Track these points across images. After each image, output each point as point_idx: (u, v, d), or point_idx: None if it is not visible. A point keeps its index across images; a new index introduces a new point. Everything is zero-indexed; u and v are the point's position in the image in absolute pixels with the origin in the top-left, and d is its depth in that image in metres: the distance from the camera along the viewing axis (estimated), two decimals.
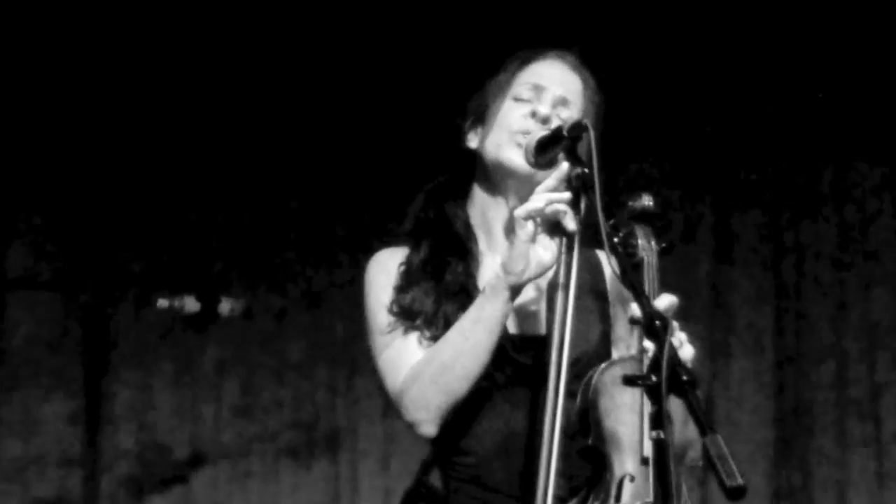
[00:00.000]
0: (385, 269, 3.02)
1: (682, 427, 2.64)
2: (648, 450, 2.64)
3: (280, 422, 5.65)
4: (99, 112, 5.54)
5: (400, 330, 2.94)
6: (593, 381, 2.79)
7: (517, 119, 2.98)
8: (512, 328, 2.95)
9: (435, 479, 2.98)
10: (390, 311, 2.95)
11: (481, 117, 3.05)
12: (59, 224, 5.59)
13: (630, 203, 2.92)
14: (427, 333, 2.92)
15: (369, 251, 3.09)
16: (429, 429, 2.88)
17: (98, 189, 5.58)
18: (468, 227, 3.05)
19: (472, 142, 3.07)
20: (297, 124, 5.56)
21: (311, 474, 5.62)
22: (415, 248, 3.03)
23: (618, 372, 2.72)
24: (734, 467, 2.27)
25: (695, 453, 2.76)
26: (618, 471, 2.74)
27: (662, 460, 2.42)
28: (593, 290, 3.04)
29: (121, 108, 5.53)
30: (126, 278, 5.58)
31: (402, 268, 3.00)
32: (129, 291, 5.57)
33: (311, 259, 5.68)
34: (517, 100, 3.01)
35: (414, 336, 2.93)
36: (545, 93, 3.01)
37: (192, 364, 5.64)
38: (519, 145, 2.94)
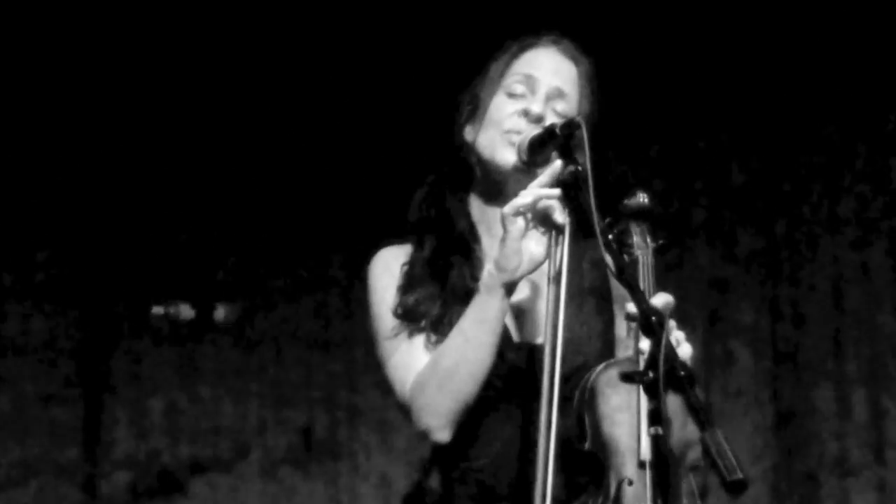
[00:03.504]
0: (388, 270, 2.97)
1: (681, 428, 2.61)
2: (645, 453, 2.64)
3: (278, 429, 5.62)
4: (92, 117, 5.52)
5: (405, 334, 2.89)
6: (588, 385, 2.76)
7: (509, 117, 2.92)
8: (513, 332, 2.91)
9: (435, 482, 2.95)
10: (395, 313, 2.91)
11: (475, 111, 2.99)
12: (52, 232, 5.57)
13: (625, 201, 2.90)
14: (433, 337, 2.87)
15: (366, 253, 3.04)
16: (442, 434, 2.83)
17: (91, 197, 5.56)
18: (471, 225, 3.00)
19: (469, 135, 3.00)
20: (291, 126, 5.53)
21: (309, 480, 5.60)
22: (418, 246, 2.99)
23: (613, 374, 2.69)
24: (735, 461, 2.24)
25: (695, 454, 2.73)
26: (615, 475, 2.70)
27: (661, 456, 2.38)
28: (597, 290, 3.00)
29: (114, 113, 5.51)
30: (121, 286, 5.55)
31: (406, 268, 2.96)
32: (124, 299, 5.54)
33: (303, 263, 5.66)
34: (510, 95, 2.95)
35: (420, 339, 2.88)
36: (539, 85, 2.95)
37: (188, 371, 5.61)
38: (512, 144, 2.89)
